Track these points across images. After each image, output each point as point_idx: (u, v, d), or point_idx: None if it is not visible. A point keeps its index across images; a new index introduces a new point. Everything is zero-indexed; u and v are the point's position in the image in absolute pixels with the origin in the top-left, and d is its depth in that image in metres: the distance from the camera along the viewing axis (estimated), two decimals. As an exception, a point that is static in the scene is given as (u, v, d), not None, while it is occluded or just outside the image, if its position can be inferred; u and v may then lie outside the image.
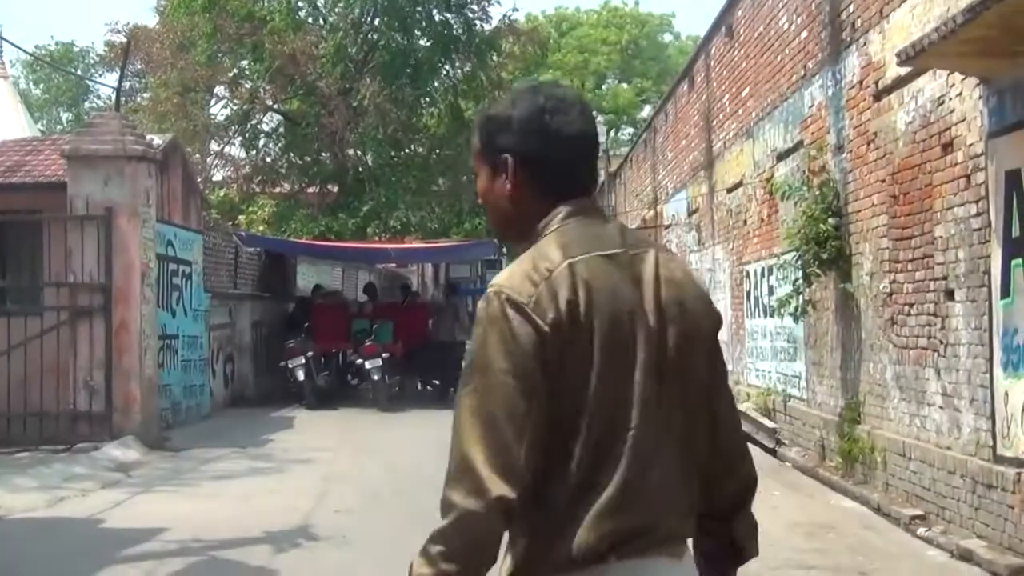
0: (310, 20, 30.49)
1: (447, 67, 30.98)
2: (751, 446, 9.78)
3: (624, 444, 2.19)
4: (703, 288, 2.44)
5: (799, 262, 11.83)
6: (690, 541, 2.36)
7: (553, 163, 2.34)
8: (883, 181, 10.07)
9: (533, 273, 2.20)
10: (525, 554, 2.21)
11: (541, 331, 2.14)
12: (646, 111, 52.94)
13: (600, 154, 3.05)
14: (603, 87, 59.23)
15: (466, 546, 2.10)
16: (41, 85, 60.25)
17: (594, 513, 2.15)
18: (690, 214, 21.12)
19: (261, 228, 29.29)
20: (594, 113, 2.58)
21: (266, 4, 28.91)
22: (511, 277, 2.22)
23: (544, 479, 2.16)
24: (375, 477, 11.49)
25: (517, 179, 2.35)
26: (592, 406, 2.17)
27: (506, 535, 2.17)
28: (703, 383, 2.34)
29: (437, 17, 29.39)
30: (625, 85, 59.07)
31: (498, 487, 2.07)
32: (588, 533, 2.14)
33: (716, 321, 2.41)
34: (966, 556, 7.69)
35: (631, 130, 55.92)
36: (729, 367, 17.52)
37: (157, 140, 14.94)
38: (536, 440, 2.13)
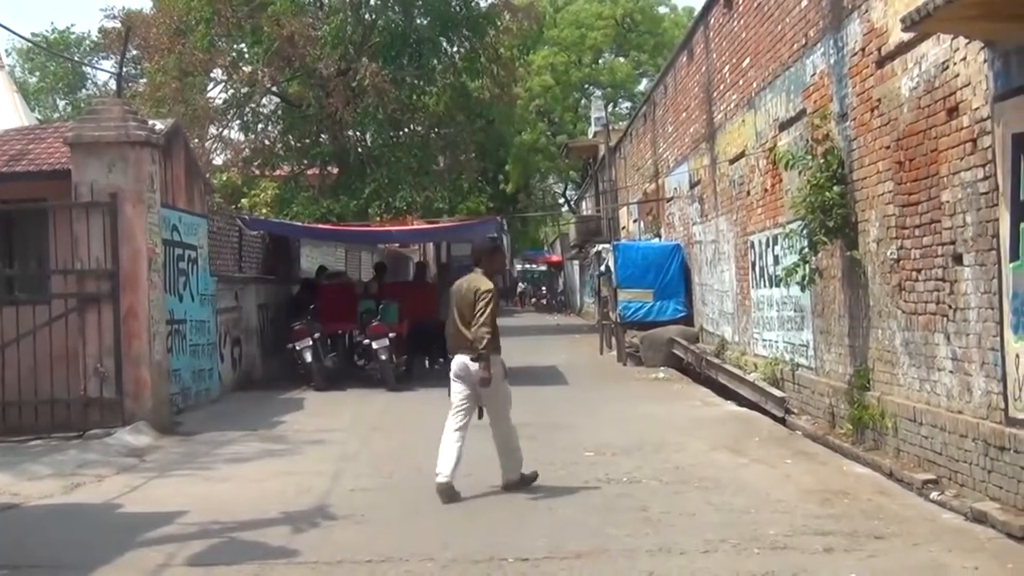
0: (308, 2, 30.46)
1: (446, 45, 30.94)
2: (759, 415, 10.77)
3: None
4: (474, 284, 9.29)
5: (805, 231, 11.85)
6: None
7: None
8: (888, 148, 10.08)
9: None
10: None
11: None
12: (643, 84, 52.79)
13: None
14: (600, 62, 59.04)
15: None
16: (37, 74, 60.03)
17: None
18: (692, 186, 21.12)
19: (264, 211, 29.27)
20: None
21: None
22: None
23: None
24: (387, 456, 11.54)
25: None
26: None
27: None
28: (469, 304, 9.20)
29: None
30: (622, 59, 58.89)
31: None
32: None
33: (475, 291, 9.21)
34: (980, 518, 7.75)
35: (628, 104, 55.82)
36: (735, 338, 17.57)
37: (159, 125, 14.90)
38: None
